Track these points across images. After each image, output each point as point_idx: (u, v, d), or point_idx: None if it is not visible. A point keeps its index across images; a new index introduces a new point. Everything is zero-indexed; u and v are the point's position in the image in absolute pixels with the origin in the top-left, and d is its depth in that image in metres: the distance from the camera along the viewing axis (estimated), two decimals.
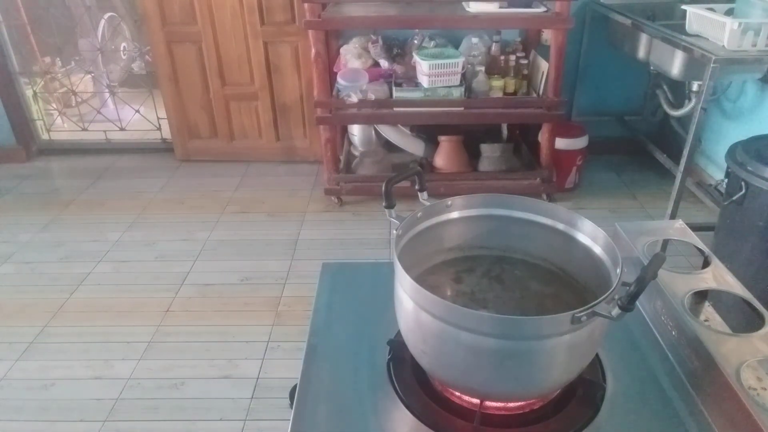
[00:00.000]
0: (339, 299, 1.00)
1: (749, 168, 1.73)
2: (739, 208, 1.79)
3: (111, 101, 3.63)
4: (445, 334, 0.69)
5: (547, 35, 2.74)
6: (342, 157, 2.98)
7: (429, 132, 2.95)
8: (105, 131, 3.52)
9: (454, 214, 0.89)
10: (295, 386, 0.82)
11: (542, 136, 2.75)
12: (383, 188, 0.80)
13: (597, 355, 0.83)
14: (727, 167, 1.84)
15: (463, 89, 2.60)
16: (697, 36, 2.17)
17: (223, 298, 2.24)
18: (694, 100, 2.37)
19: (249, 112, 3.24)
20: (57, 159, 3.46)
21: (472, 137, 2.89)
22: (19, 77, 3.37)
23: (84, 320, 2.13)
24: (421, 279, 0.85)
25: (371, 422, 0.76)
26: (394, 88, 2.64)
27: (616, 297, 0.64)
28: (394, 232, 0.79)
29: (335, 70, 2.80)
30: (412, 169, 0.85)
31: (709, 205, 2.55)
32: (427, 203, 0.86)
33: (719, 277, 0.92)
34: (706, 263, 0.95)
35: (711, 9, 2.15)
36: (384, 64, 2.78)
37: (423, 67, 2.55)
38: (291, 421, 0.76)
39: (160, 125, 3.45)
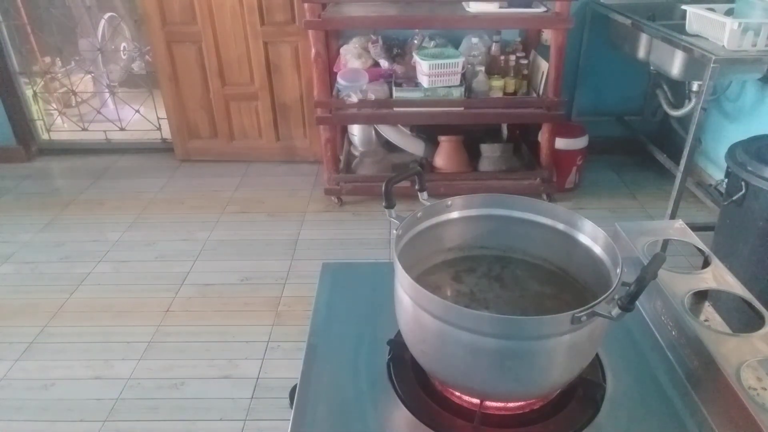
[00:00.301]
0: (339, 299, 1.00)
1: (749, 168, 1.73)
2: (739, 208, 1.79)
3: (111, 101, 3.63)
4: (445, 334, 0.69)
5: (547, 35, 2.74)
6: (342, 157, 2.98)
7: (429, 132, 2.95)
8: (105, 131, 3.52)
9: (454, 214, 0.89)
10: (295, 386, 0.82)
11: (542, 136, 2.75)
12: (383, 188, 0.80)
13: (597, 355, 0.83)
14: (727, 167, 1.84)
15: (463, 89, 2.60)
16: (697, 36, 2.17)
17: (223, 298, 2.24)
18: (694, 100, 2.37)
19: (249, 112, 3.24)
20: (57, 159, 3.46)
21: (472, 137, 2.89)
22: (19, 77, 3.37)
23: (84, 320, 2.13)
24: (421, 279, 0.85)
25: (371, 422, 0.76)
26: (394, 88, 2.64)
27: (616, 297, 0.64)
28: (394, 232, 0.79)
29: (335, 70, 2.80)
30: (412, 169, 0.85)
31: (709, 205, 2.55)
32: (427, 203, 0.85)
33: (719, 277, 0.92)
34: (706, 263, 0.95)
35: (711, 9, 2.15)
36: (384, 64, 2.78)
37: (423, 67, 2.55)
38: (291, 421, 0.76)
39: (160, 125, 3.45)
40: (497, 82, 2.68)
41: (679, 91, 2.59)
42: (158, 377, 1.87)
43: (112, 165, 3.38)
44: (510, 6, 2.52)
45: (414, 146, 2.99)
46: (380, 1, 2.72)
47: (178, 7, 2.97)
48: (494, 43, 2.75)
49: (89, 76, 3.77)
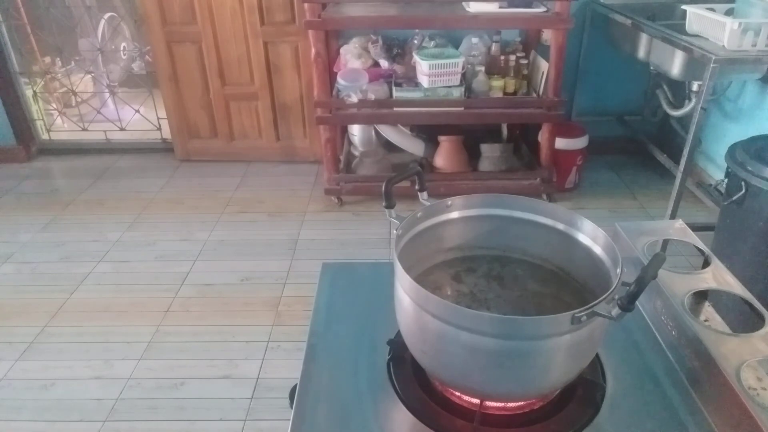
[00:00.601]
0: (339, 299, 1.00)
1: (749, 168, 1.73)
2: (739, 208, 1.79)
3: (111, 101, 3.63)
4: (445, 334, 0.68)
5: (547, 35, 2.74)
6: (342, 157, 2.98)
7: (429, 132, 2.95)
8: (105, 131, 3.52)
9: (454, 214, 0.89)
10: (295, 386, 0.82)
11: (542, 136, 2.75)
12: (383, 188, 0.80)
13: (597, 355, 0.83)
14: (727, 167, 1.84)
15: (463, 89, 2.60)
16: (697, 36, 2.17)
17: (223, 298, 2.24)
18: (694, 100, 2.37)
19: (249, 112, 3.24)
20: (57, 159, 3.46)
21: (472, 137, 2.89)
22: (19, 77, 3.37)
23: (84, 320, 2.13)
24: (421, 279, 0.85)
25: (371, 422, 0.76)
26: (394, 88, 2.64)
27: (616, 297, 0.64)
28: (394, 232, 0.79)
29: (335, 70, 2.80)
30: (412, 169, 0.85)
31: (709, 205, 2.54)
32: (427, 203, 0.85)
33: (719, 277, 0.92)
34: (706, 263, 0.95)
35: (711, 9, 2.15)
36: (384, 64, 2.77)
37: (423, 67, 2.55)
38: (291, 421, 0.76)
39: (160, 125, 3.44)
40: (497, 82, 2.68)
41: (679, 91, 2.59)
42: (158, 377, 1.87)
43: (112, 165, 3.38)
44: (510, 6, 2.52)
45: (414, 146, 2.99)
46: (380, 1, 2.72)
47: (178, 7, 2.97)
48: (494, 43, 2.75)
49: (89, 76, 3.77)
